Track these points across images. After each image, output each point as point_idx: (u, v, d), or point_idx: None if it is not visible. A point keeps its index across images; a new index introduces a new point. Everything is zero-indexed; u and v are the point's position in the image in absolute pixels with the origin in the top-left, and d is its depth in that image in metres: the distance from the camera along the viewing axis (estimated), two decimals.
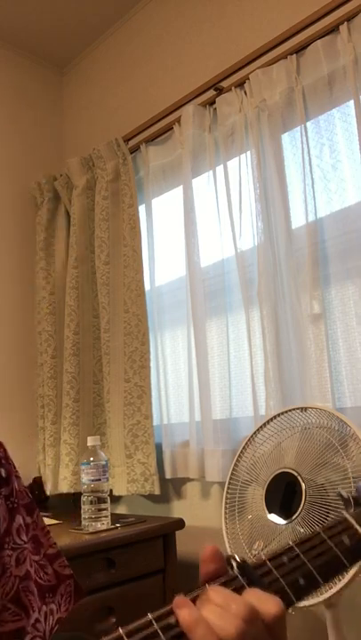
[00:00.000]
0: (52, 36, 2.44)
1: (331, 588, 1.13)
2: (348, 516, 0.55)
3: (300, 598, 0.47)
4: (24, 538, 0.64)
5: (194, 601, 0.45)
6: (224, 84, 1.87)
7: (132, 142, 2.16)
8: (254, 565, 0.48)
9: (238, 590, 0.45)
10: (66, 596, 0.68)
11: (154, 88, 2.20)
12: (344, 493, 0.59)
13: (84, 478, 1.65)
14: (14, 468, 0.69)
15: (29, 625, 0.60)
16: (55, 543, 0.71)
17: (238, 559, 0.47)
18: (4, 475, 0.64)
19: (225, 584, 0.46)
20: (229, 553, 0.52)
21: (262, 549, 1.33)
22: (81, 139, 2.53)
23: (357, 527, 0.54)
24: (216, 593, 0.44)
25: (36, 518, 0.69)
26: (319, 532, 0.52)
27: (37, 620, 0.61)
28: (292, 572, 0.48)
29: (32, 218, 2.40)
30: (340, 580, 1.12)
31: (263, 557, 0.49)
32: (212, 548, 0.48)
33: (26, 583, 0.62)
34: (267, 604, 0.43)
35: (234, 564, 0.47)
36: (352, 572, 1.10)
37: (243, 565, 0.47)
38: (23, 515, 0.67)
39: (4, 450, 0.68)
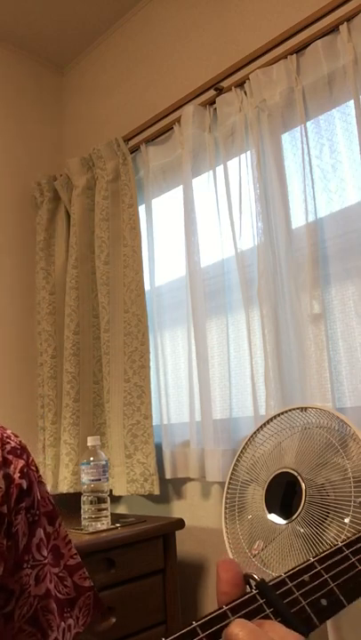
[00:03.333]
0: (52, 35, 2.44)
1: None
2: None
3: (322, 620, 0.44)
4: (44, 552, 0.62)
5: (216, 637, 0.40)
6: (224, 84, 1.87)
7: (132, 142, 2.16)
8: (273, 585, 0.44)
9: (257, 612, 0.42)
10: (85, 610, 0.65)
11: (154, 88, 2.20)
12: None
13: (84, 478, 1.65)
14: (37, 472, 0.66)
15: None
16: (77, 553, 0.67)
17: (257, 578, 0.45)
18: (25, 486, 0.61)
19: (242, 605, 0.42)
20: (246, 571, 0.48)
21: (262, 549, 1.32)
22: (81, 139, 2.53)
23: None
24: (238, 626, 0.40)
25: (57, 527, 0.66)
26: (341, 548, 0.49)
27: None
28: (314, 592, 0.45)
29: (32, 218, 2.40)
30: None
31: (283, 575, 0.45)
32: (228, 561, 0.45)
33: (45, 602, 0.60)
34: None
35: (252, 583, 0.44)
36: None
37: (261, 585, 0.44)
38: (45, 525, 0.64)
39: (28, 455, 0.65)
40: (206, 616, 0.41)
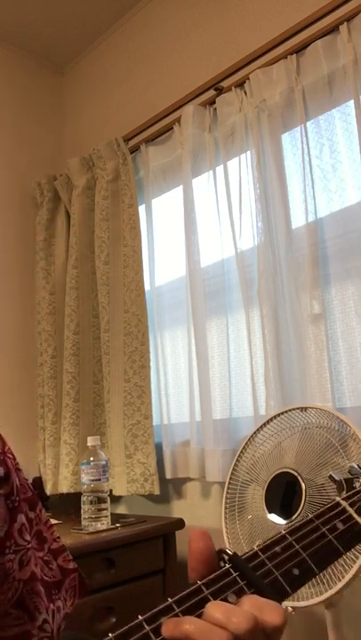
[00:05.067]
0: (52, 35, 2.44)
1: (331, 587, 1.13)
2: (340, 500, 0.53)
3: (295, 589, 0.45)
4: (27, 537, 0.63)
5: (192, 611, 0.43)
6: (224, 84, 1.87)
7: (132, 142, 2.16)
8: (246, 558, 0.46)
9: (231, 585, 0.44)
10: (71, 591, 0.67)
11: (154, 88, 2.20)
12: (336, 476, 0.57)
13: (84, 478, 1.65)
14: (15, 460, 0.67)
15: (35, 627, 0.59)
16: (59, 537, 0.69)
17: (229, 552, 0.46)
18: (2, 473, 0.62)
19: (216, 579, 0.44)
20: (220, 547, 0.50)
21: None
22: (81, 139, 2.53)
23: (351, 511, 0.51)
24: (215, 608, 0.42)
25: (38, 513, 0.67)
26: (312, 519, 0.50)
27: (45, 621, 0.60)
28: (286, 562, 0.46)
29: (32, 218, 2.40)
30: (340, 580, 1.12)
31: (255, 549, 0.47)
32: (200, 534, 0.47)
33: (30, 585, 0.60)
34: (269, 614, 0.41)
35: (225, 558, 0.46)
36: (352, 571, 1.11)
37: (234, 559, 0.45)
38: (26, 510, 0.65)
39: (4, 443, 0.66)
40: (182, 592, 0.43)
